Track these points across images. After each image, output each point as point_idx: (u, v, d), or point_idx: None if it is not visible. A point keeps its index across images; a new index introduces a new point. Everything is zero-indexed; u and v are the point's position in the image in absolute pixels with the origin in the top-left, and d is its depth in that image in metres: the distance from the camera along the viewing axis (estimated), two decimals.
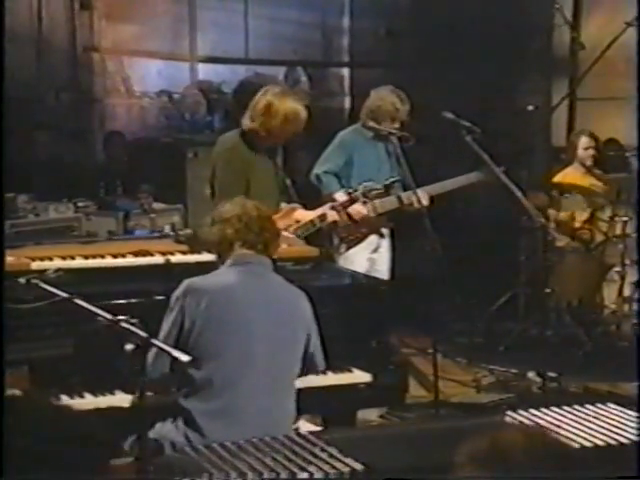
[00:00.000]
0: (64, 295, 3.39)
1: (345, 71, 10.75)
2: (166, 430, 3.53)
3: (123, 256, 4.40)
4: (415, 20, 10.19)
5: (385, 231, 6.57)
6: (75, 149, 8.80)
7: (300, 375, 3.83)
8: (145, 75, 10.11)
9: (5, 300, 3.21)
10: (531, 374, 6.62)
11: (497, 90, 9.11)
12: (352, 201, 5.73)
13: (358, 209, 6.32)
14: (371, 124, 6.42)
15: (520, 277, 7.52)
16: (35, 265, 4.28)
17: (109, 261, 4.37)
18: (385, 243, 6.62)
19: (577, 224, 7.37)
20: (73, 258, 4.37)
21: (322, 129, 8.52)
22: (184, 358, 3.13)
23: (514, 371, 6.73)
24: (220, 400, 3.55)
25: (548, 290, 6.65)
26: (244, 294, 3.68)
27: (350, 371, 4.31)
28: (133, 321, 3.14)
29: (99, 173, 7.91)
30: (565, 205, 7.41)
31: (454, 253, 8.10)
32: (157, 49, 9.88)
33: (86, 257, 4.36)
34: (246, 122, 5.52)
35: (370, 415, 5.28)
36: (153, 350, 3.34)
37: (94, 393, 3.84)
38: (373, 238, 6.55)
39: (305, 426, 3.94)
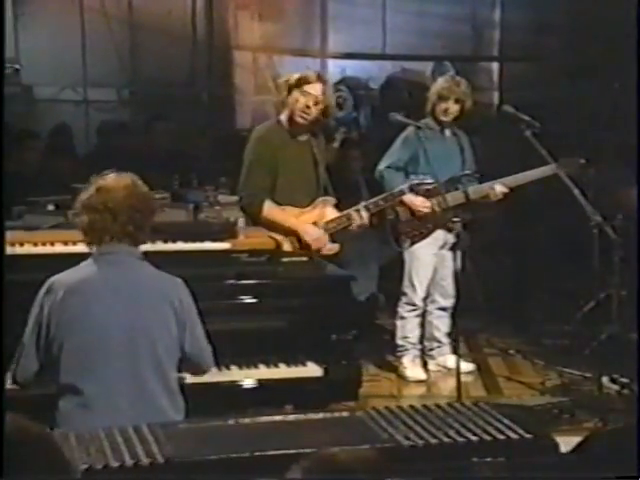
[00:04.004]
0: None
1: (494, 65, 10.56)
2: None
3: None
4: (569, 14, 9.89)
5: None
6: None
7: (185, 371, 3.85)
8: (294, 72, 10.33)
9: None
10: (605, 379, 6.35)
11: None
12: (376, 204, 5.70)
13: (420, 204, 6.30)
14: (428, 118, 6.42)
15: (614, 278, 7.17)
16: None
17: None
18: (451, 239, 6.51)
19: None
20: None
21: (470, 124, 8.51)
22: None
23: (588, 375, 6.47)
24: (80, 391, 3.58)
25: None
26: (101, 285, 3.65)
27: (304, 365, 4.35)
28: None
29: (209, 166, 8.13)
30: None
31: (547, 253, 7.93)
32: (302, 46, 10.09)
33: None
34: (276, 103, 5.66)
35: None
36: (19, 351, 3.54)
37: None
38: (440, 233, 6.48)
39: None
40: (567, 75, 9.56)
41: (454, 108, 6.39)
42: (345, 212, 5.66)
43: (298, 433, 3.13)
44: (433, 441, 3.10)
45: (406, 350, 6.63)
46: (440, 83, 6.48)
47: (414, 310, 6.57)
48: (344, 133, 9.61)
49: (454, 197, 6.35)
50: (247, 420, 3.24)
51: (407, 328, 6.60)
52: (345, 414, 3.38)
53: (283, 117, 5.58)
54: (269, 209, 5.50)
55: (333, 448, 2.18)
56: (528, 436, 3.16)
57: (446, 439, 3.12)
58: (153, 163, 7.64)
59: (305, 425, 3.23)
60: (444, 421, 3.24)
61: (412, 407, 3.38)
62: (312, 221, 5.58)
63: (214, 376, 4.17)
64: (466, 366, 6.73)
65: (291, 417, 3.27)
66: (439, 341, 6.68)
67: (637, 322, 6.47)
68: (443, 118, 6.42)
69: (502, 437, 3.14)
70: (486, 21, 10.54)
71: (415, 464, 3.05)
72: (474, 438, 3.12)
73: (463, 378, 6.55)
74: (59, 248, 4.34)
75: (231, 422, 3.21)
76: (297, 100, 5.47)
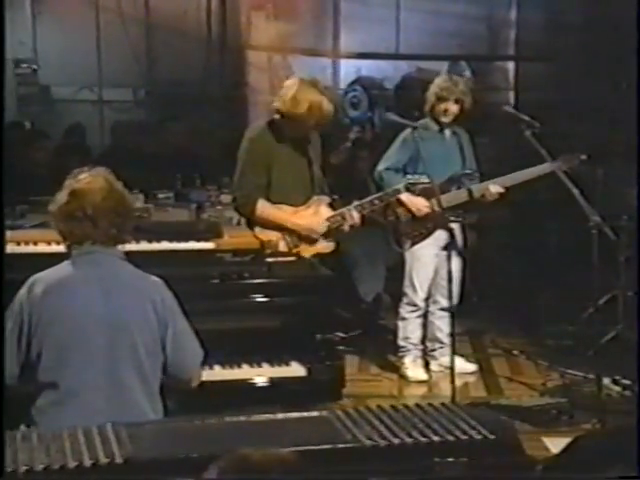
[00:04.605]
0: None
1: (510, 65, 10.54)
2: None
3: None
4: (585, 13, 9.86)
5: (456, 226, 6.41)
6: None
7: (168, 380, 3.79)
8: (309, 72, 10.37)
9: None
10: (607, 380, 6.34)
11: None
12: (371, 203, 5.73)
13: (418, 204, 6.31)
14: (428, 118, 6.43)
15: (620, 279, 7.16)
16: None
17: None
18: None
19: None
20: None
21: (486, 124, 8.52)
22: None
23: (590, 376, 6.44)
24: (56, 387, 3.58)
25: None
26: (80, 284, 3.65)
27: (288, 365, 4.38)
28: None
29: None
30: None
31: (553, 253, 7.91)
32: (316, 46, 10.13)
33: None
34: (275, 105, 5.61)
35: None
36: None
37: None
38: (441, 234, 6.46)
39: None
40: (582, 75, 9.53)
41: (453, 108, 6.39)
42: (339, 211, 5.68)
43: (260, 433, 3.16)
44: (395, 441, 3.12)
45: (407, 351, 6.65)
46: (438, 83, 6.47)
47: (415, 311, 6.59)
48: (357, 132, 9.65)
49: (457, 196, 6.37)
50: (213, 420, 3.26)
51: (408, 329, 6.62)
52: (312, 414, 3.38)
53: (277, 116, 5.60)
54: (263, 208, 5.53)
55: (248, 449, 2.20)
56: (491, 437, 3.17)
57: (408, 439, 3.14)
58: (162, 163, 7.73)
59: (269, 425, 3.26)
60: (410, 422, 3.26)
61: (380, 408, 3.39)
62: (307, 219, 5.61)
63: None
64: (468, 366, 6.75)
65: (257, 417, 3.27)
66: (441, 342, 6.68)
67: (637, 322, 6.45)
68: (443, 119, 6.43)
69: (465, 437, 3.16)
70: (502, 20, 10.53)
71: (376, 464, 3.08)
72: (436, 438, 3.14)
73: (465, 379, 6.64)
74: (41, 247, 4.37)
75: (197, 422, 3.24)
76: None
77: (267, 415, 3.32)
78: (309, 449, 3.02)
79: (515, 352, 7.14)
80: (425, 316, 6.67)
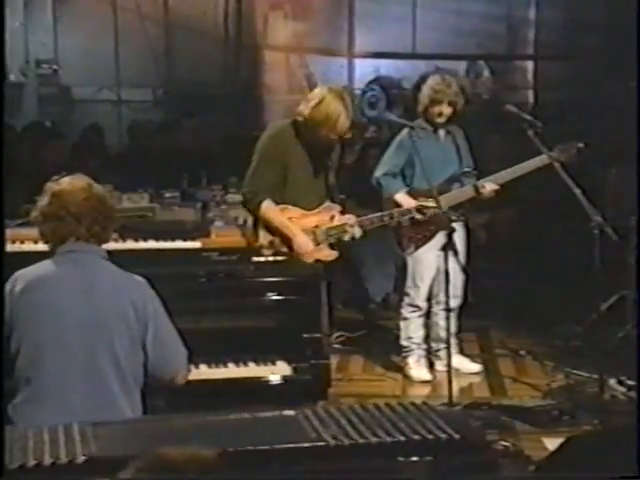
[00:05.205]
0: None
1: (529, 64, 10.50)
2: None
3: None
4: (604, 12, 9.81)
5: (457, 225, 6.36)
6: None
7: (151, 378, 3.81)
8: (326, 71, 10.43)
9: None
10: (612, 381, 6.32)
11: None
12: (371, 221, 5.75)
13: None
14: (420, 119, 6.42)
15: (629, 279, 7.11)
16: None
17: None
18: (456, 239, 6.49)
19: None
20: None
21: (504, 124, 8.49)
22: None
23: (595, 377, 6.41)
24: (31, 384, 3.62)
25: None
26: (60, 281, 3.68)
27: (274, 363, 4.40)
28: None
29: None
30: None
31: (561, 253, 7.86)
32: (333, 46, 10.16)
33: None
34: (300, 108, 5.62)
35: None
36: None
37: None
38: (443, 235, 6.46)
39: None
40: (601, 74, 9.48)
41: (447, 110, 6.36)
42: (342, 222, 5.69)
43: (226, 432, 3.18)
44: (360, 440, 3.14)
45: (411, 350, 6.65)
46: (431, 85, 6.40)
47: (416, 311, 6.59)
48: (374, 132, 9.67)
49: (461, 194, 6.36)
50: (181, 418, 3.29)
51: (410, 329, 6.62)
52: (280, 413, 3.40)
53: (301, 119, 5.61)
54: (267, 208, 5.54)
55: (167, 448, 2.21)
56: (456, 436, 3.18)
57: (374, 438, 3.15)
58: (172, 162, 7.78)
59: (236, 424, 3.28)
60: (377, 421, 3.28)
61: (350, 407, 3.41)
62: (314, 224, 5.63)
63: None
64: (472, 367, 6.74)
65: (224, 416, 3.30)
66: (446, 342, 6.66)
67: (637, 322, 6.42)
68: (437, 120, 6.40)
69: (430, 437, 3.17)
70: (521, 20, 10.50)
71: (340, 463, 3.10)
72: (402, 438, 3.15)
73: (470, 379, 6.64)
74: (27, 246, 4.43)
75: (165, 420, 3.27)
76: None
77: (235, 414, 3.34)
78: (273, 448, 3.06)
79: (522, 352, 7.11)
80: (428, 316, 6.66)
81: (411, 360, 6.65)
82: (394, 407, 3.42)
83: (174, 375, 3.88)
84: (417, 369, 6.62)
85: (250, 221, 5.82)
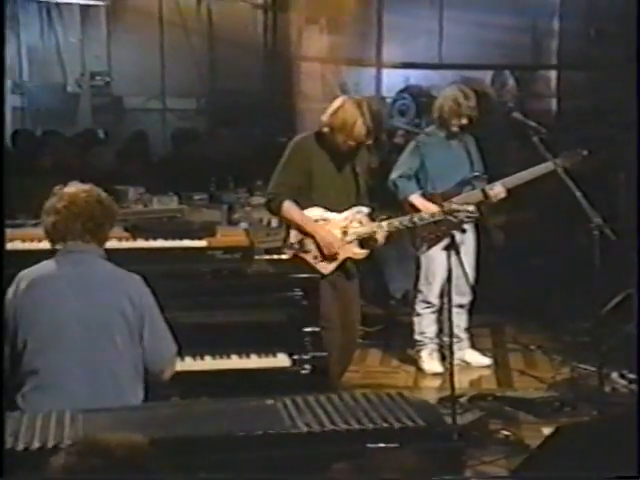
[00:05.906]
0: None
1: (552, 73, 10.44)
2: None
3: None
4: (626, 21, 9.70)
5: (468, 226, 6.37)
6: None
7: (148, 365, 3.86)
8: (357, 81, 10.48)
9: None
10: (614, 375, 6.29)
11: None
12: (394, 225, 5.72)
13: (431, 208, 6.31)
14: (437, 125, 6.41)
15: (634, 277, 7.02)
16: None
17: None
18: (467, 238, 6.49)
19: None
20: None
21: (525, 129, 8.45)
22: None
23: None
24: (39, 376, 3.69)
25: None
26: (61, 280, 3.77)
27: (275, 355, 4.45)
28: None
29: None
30: None
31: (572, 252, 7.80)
32: (364, 57, 10.20)
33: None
34: (322, 117, 5.58)
35: None
36: None
37: None
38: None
39: None
40: (623, 83, 9.38)
41: (464, 122, 6.35)
42: (370, 226, 5.64)
43: (203, 419, 3.23)
44: (330, 427, 3.17)
45: (424, 345, 6.66)
46: (450, 96, 6.36)
47: (429, 307, 6.60)
48: (402, 137, 9.67)
49: (470, 197, 6.35)
50: (166, 406, 3.36)
51: (423, 324, 6.63)
52: (260, 402, 3.43)
53: (325, 129, 5.52)
54: (287, 208, 5.48)
55: (104, 434, 2.25)
56: (422, 424, 3.20)
57: (343, 426, 3.18)
58: (207, 166, 7.88)
59: (214, 412, 3.32)
60: (351, 410, 3.31)
61: (327, 397, 3.44)
62: (339, 226, 5.55)
63: (191, 365, 4.35)
64: (482, 360, 6.73)
65: (208, 404, 3.37)
66: (457, 336, 6.67)
67: (637, 322, 6.36)
68: (452, 129, 6.39)
69: (398, 425, 3.20)
70: (545, 31, 10.43)
71: (311, 449, 3.13)
72: (370, 425, 3.19)
73: (480, 372, 6.64)
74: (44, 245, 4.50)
75: (151, 407, 3.33)
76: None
77: (218, 401, 3.40)
78: (249, 434, 3.11)
79: (532, 347, 7.09)
80: (441, 312, 6.66)
81: (424, 354, 6.67)
82: (369, 397, 3.45)
83: (163, 369, 3.93)
84: (429, 362, 6.63)
85: (274, 222, 5.85)
